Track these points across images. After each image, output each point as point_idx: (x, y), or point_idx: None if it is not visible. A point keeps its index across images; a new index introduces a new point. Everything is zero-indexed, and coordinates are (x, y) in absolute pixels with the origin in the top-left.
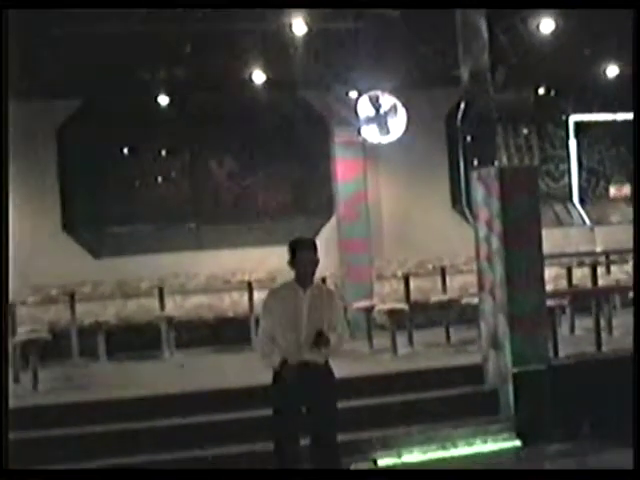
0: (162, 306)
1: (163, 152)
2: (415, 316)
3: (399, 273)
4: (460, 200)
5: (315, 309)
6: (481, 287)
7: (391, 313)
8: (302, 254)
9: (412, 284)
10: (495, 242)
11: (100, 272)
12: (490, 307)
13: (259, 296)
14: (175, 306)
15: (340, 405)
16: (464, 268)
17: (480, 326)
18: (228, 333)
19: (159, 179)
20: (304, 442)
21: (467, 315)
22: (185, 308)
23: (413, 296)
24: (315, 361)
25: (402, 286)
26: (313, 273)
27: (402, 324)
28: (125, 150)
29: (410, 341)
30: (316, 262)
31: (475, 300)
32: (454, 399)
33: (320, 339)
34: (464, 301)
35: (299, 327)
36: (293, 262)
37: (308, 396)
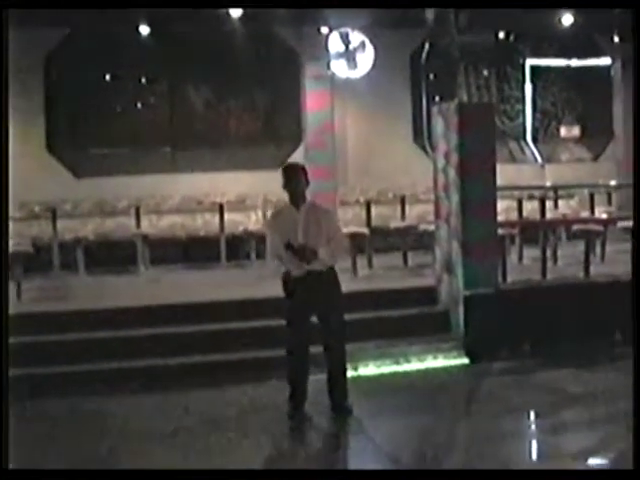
0: (138, 224)
1: (143, 80)
2: (375, 241)
3: (361, 200)
4: (421, 134)
5: (310, 225)
6: (437, 215)
7: (353, 237)
8: (292, 178)
9: (373, 211)
10: (452, 173)
11: (81, 191)
12: (445, 234)
13: (229, 217)
14: (150, 225)
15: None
16: (423, 197)
17: (435, 251)
18: (199, 251)
19: (139, 105)
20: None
21: (424, 241)
22: (160, 227)
23: (374, 222)
24: (317, 269)
25: (364, 212)
26: (304, 193)
27: (363, 248)
28: (107, 77)
29: (370, 264)
30: (305, 183)
31: (432, 227)
32: (409, 318)
33: (304, 253)
34: (421, 228)
35: (296, 242)
36: (286, 185)
37: (315, 301)
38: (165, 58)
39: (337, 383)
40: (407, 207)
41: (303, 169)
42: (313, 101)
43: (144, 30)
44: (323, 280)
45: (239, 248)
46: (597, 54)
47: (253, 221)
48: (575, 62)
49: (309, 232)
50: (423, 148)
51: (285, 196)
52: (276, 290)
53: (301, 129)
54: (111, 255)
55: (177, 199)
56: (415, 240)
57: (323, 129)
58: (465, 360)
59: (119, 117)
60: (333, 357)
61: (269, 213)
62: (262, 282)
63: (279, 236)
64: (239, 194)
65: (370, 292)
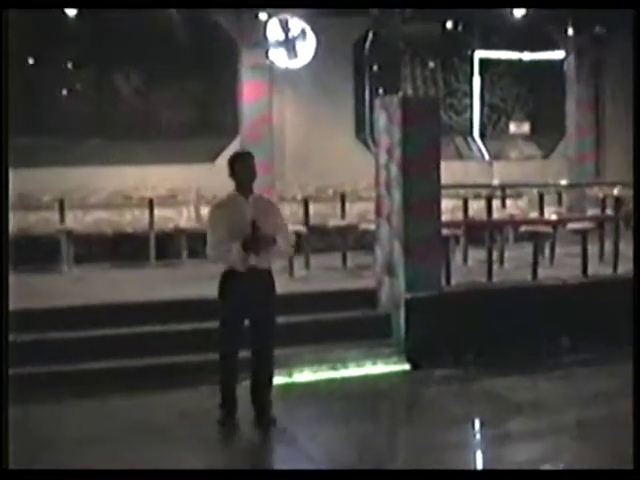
0: (62, 219)
1: (69, 64)
2: (313, 240)
3: (299, 196)
4: (364, 128)
5: (259, 217)
6: (379, 213)
7: None
8: (242, 165)
9: (312, 208)
10: (394, 170)
11: None
12: (386, 233)
13: (160, 213)
14: (76, 220)
15: None
16: (364, 195)
17: (376, 252)
18: (127, 249)
19: (64, 92)
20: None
21: (364, 241)
22: (86, 222)
23: (312, 220)
24: (261, 266)
25: (302, 210)
26: (252, 182)
27: (300, 247)
28: (30, 60)
29: (307, 264)
30: (254, 172)
31: (372, 226)
32: (347, 322)
33: (261, 240)
34: (362, 227)
35: (245, 232)
36: (234, 173)
37: (252, 302)
38: (93, 42)
39: (262, 390)
40: (347, 205)
41: (252, 157)
42: (250, 91)
43: (70, 11)
44: (264, 279)
45: (169, 246)
46: (550, 47)
47: (185, 218)
48: (527, 55)
49: (258, 222)
50: (365, 143)
51: (221, 190)
52: (208, 290)
53: (237, 121)
54: (33, 252)
55: (105, 193)
56: (355, 240)
57: (260, 121)
58: (406, 366)
59: (43, 104)
60: (261, 362)
61: (205, 208)
62: (193, 282)
63: (225, 227)
64: (170, 189)
65: (307, 294)
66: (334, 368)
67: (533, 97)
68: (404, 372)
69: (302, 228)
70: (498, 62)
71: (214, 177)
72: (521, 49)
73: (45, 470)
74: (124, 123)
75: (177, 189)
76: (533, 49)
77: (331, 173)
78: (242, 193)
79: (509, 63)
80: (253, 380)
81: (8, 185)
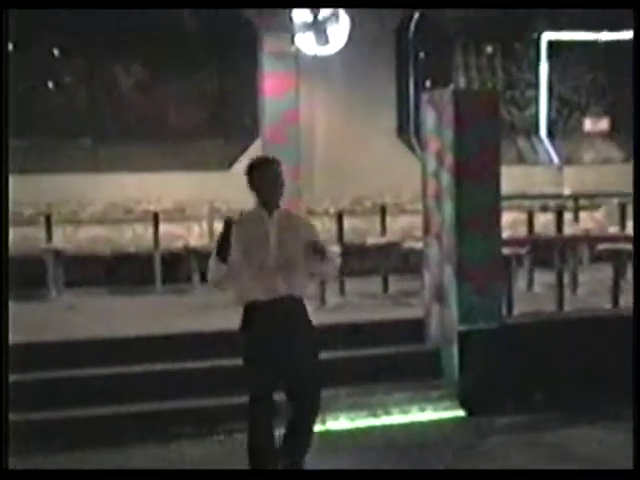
0: (49, 237)
1: (56, 51)
2: (349, 261)
3: (332, 210)
4: (407, 128)
5: (286, 238)
6: (426, 230)
7: None
8: (265, 174)
9: (346, 224)
10: (445, 178)
11: None
12: (436, 253)
13: (166, 229)
14: (65, 238)
15: None
16: (408, 207)
17: (423, 275)
18: (127, 272)
19: (50, 84)
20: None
21: (410, 262)
22: (77, 241)
23: (347, 238)
24: (291, 295)
25: (334, 225)
26: (278, 195)
27: None
28: (9, 46)
29: (341, 290)
30: (282, 183)
31: (419, 245)
32: (389, 359)
33: (317, 248)
34: (406, 245)
35: (269, 256)
36: (255, 185)
37: (285, 340)
38: (85, 24)
39: (299, 440)
40: (389, 219)
41: (279, 163)
42: (273, 85)
43: None
44: (297, 308)
45: (178, 269)
46: (633, 25)
47: (196, 235)
48: (605, 35)
49: (285, 246)
50: (410, 145)
51: (239, 203)
52: (225, 322)
53: (257, 120)
54: (13, 276)
55: (99, 206)
56: (398, 261)
57: (285, 120)
58: (460, 412)
59: (24, 99)
60: (302, 407)
61: (220, 224)
62: (207, 311)
63: (241, 249)
64: (178, 201)
65: (342, 326)
66: (374, 414)
67: (613, 87)
68: (458, 419)
69: (335, 247)
70: (570, 45)
71: (230, 187)
72: (598, 28)
73: (45, 470)
74: (121, 122)
75: (186, 201)
76: (613, 28)
77: (369, 181)
78: (266, 207)
79: (583, 46)
80: (290, 426)
81: (8, 197)
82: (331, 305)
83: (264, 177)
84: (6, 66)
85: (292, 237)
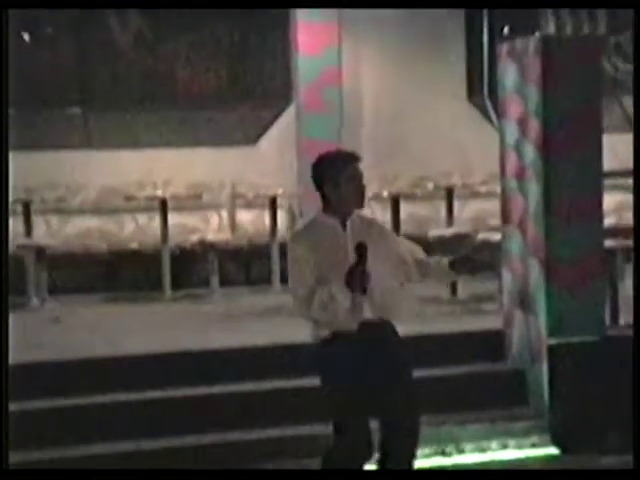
0: (28, 230)
1: None
2: None
3: (384, 193)
4: (481, 89)
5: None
6: (506, 218)
7: None
8: (344, 175)
9: (404, 210)
10: (530, 151)
11: None
12: (518, 247)
13: (177, 220)
14: (49, 231)
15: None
16: (482, 190)
17: (502, 275)
18: (129, 274)
19: (26, 37)
20: None
21: (484, 258)
22: (65, 235)
23: (405, 228)
24: (380, 318)
25: (389, 213)
26: (360, 202)
27: None
28: None
29: None
30: (363, 187)
31: (496, 236)
32: (460, 381)
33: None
34: (479, 237)
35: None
36: (327, 184)
37: (376, 370)
38: None
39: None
40: (457, 205)
41: (358, 158)
42: (309, 39)
43: None
44: (387, 336)
45: (192, 269)
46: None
47: (214, 227)
48: None
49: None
50: (483, 110)
51: (266, 187)
52: (252, 336)
53: (290, 82)
54: None
55: (93, 191)
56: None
57: (324, 81)
58: (552, 450)
59: None
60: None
61: (244, 212)
62: (229, 323)
63: (313, 267)
64: (192, 183)
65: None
66: (443, 452)
67: None
68: (550, 458)
69: None
70: None
71: (256, 166)
72: None
73: (45, 470)
74: (118, 85)
75: (202, 184)
76: None
77: (432, 157)
78: (338, 214)
79: None
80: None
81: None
82: None
83: (344, 178)
84: (6, 66)
85: (372, 248)
